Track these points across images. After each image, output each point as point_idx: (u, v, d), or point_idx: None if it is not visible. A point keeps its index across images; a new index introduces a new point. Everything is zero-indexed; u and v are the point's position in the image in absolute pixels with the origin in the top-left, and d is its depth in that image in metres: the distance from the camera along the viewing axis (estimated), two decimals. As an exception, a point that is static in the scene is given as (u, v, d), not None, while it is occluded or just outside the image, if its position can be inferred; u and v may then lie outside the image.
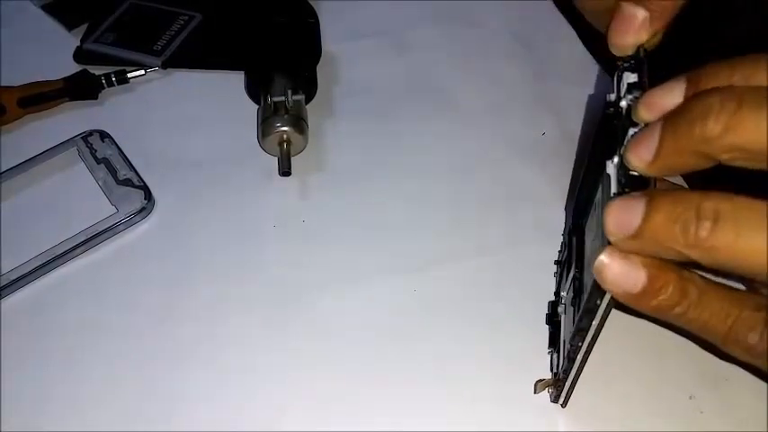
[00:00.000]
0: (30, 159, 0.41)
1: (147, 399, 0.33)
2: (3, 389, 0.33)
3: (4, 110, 0.43)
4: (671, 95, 0.23)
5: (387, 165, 0.42)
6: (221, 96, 0.46)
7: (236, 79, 0.46)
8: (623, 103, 0.25)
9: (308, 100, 0.44)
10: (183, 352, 0.34)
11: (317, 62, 0.46)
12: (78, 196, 0.41)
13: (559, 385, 0.31)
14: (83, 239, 0.38)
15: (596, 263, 0.23)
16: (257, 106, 0.44)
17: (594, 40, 0.48)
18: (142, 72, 0.47)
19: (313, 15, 0.47)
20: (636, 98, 0.25)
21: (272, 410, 0.33)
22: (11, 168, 0.41)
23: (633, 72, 0.26)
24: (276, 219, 0.40)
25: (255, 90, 0.44)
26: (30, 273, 0.37)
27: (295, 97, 0.42)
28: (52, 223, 0.39)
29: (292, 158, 0.41)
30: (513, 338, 0.35)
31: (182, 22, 0.50)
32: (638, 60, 0.26)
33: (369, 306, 0.36)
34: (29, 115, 0.44)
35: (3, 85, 0.44)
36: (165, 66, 0.47)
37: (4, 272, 0.36)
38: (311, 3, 0.48)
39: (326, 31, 0.48)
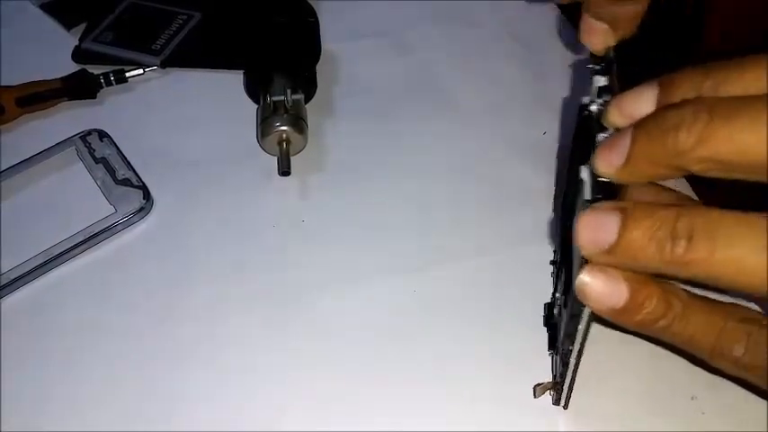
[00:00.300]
0: (28, 159, 0.41)
1: (147, 399, 0.33)
2: (3, 389, 0.33)
3: (2, 109, 0.43)
4: (642, 100, 0.23)
5: (387, 165, 0.42)
6: (220, 96, 0.46)
7: (236, 79, 0.46)
8: (593, 108, 0.25)
9: (308, 100, 0.44)
10: (183, 352, 0.34)
11: (317, 62, 0.46)
12: (77, 196, 0.41)
13: (558, 388, 0.31)
14: (81, 239, 0.38)
15: (577, 282, 0.23)
16: (256, 106, 0.44)
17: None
18: (141, 71, 0.47)
19: (313, 15, 0.47)
20: (606, 102, 0.24)
21: (272, 410, 0.33)
22: (9, 168, 0.41)
23: (604, 75, 0.26)
24: (276, 219, 0.40)
25: (255, 89, 0.44)
26: (29, 272, 0.37)
27: (294, 97, 0.42)
28: (51, 223, 0.39)
29: (292, 158, 0.41)
30: (512, 339, 0.35)
31: (180, 22, 0.49)
32: (609, 62, 0.26)
33: (369, 306, 0.36)
34: (27, 115, 0.44)
35: (1, 84, 0.44)
36: (163, 65, 0.47)
37: (3, 271, 0.36)
38: (311, 3, 0.48)
39: (326, 30, 0.47)
